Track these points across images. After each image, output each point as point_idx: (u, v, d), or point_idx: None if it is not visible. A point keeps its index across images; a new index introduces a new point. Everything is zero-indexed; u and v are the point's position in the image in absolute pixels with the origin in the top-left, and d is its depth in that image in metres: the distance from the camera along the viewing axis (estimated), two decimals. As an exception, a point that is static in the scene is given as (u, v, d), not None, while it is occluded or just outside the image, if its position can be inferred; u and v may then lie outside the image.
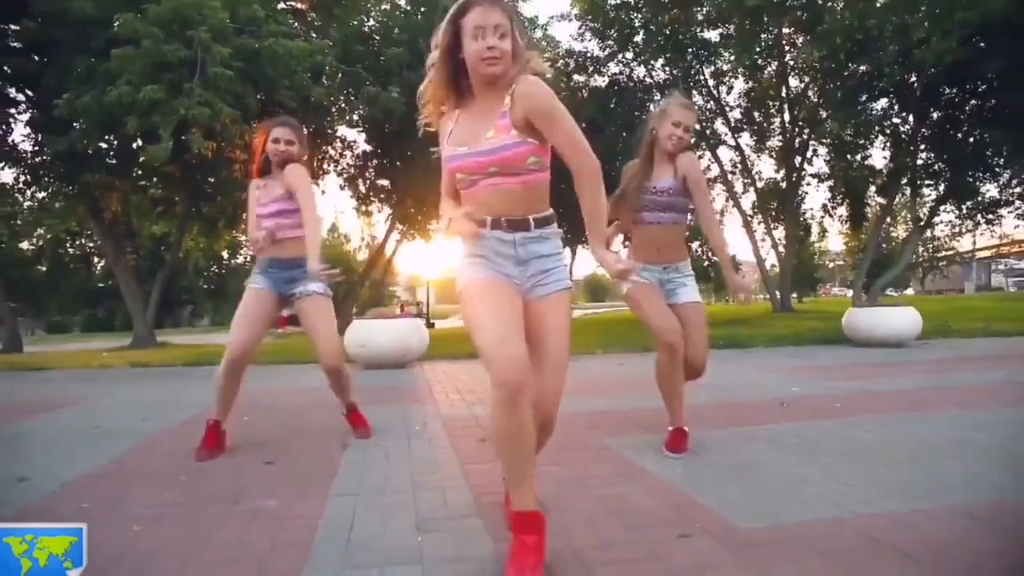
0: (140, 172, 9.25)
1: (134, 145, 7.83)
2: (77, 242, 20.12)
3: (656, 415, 3.37)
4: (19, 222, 13.52)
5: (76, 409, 4.09)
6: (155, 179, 9.48)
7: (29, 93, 8.96)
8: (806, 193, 15.68)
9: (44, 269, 28.36)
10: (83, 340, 22.87)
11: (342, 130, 11.52)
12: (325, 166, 12.26)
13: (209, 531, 1.82)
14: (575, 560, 1.56)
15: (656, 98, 15.56)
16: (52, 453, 2.90)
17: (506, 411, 1.42)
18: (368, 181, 13.16)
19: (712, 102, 15.66)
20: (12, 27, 7.96)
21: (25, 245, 19.71)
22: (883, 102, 12.09)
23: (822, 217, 16.09)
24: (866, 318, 7.26)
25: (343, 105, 9.89)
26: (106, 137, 7.92)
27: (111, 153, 8.42)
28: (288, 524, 1.86)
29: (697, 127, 15.12)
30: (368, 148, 12.28)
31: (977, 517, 1.77)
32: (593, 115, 15.17)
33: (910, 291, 41.82)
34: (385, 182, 12.55)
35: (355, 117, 9.71)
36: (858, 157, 13.31)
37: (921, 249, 19.75)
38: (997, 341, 7.85)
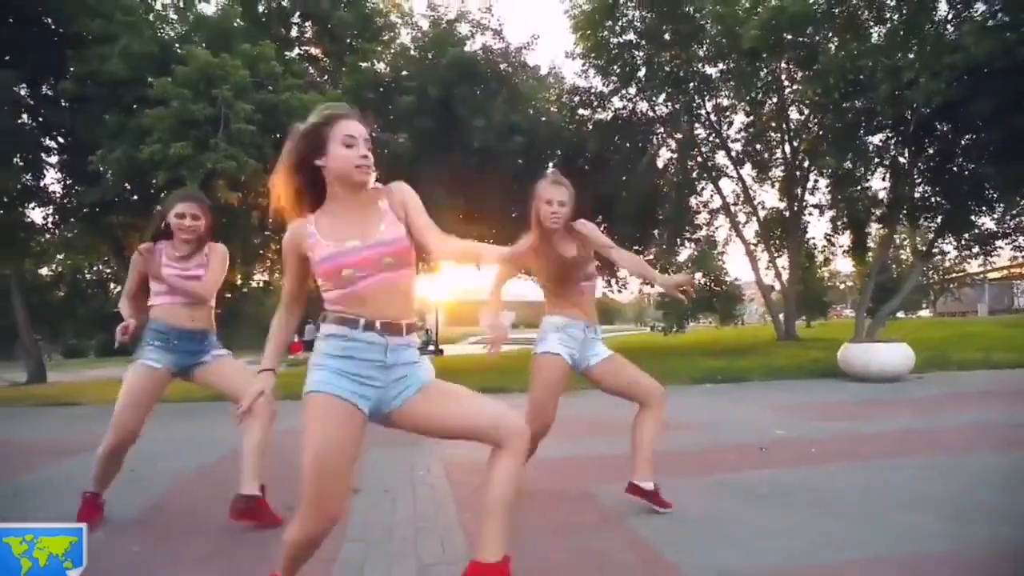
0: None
1: (161, 195, 8.37)
2: (95, 267, 20.40)
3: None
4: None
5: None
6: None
7: (61, 141, 9.55)
8: (808, 222, 15.94)
9: (62, 294, 29.02)
10: (100, 366, 23.35)
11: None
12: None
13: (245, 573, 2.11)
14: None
15: (659, 130, 15.99)
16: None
17: (311, 547, 1.62)
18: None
19: (714, 135, 16.03)
20: (50, 86, 8.57)
21: (44, 271, 20.19)
22: (881, 136, 12.43)
23: (824, 246, 16.33)
24: (860, 353, 7.48)
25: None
26: (131, 186, 8.45)
27: (135, 199, 8.93)
28: (309, 567, 2.15)
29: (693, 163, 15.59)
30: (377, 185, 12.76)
31: (903, 564, 2.03)
32: (598, 149, 15.59)
33: (925, 312, 41.57)
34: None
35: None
36: (858, 188, 13.57)
37: (930, 272, 19.87)
38: (993, 374, 8.00)
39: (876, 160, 12.77)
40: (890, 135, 12.13)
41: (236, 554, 2.35)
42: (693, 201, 16.13)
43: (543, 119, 13.24)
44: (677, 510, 2.70)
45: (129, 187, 8.75)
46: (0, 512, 2.97)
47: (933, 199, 11.62)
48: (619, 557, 2.22)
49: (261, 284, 20.32)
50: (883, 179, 13.40)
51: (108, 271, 22.01)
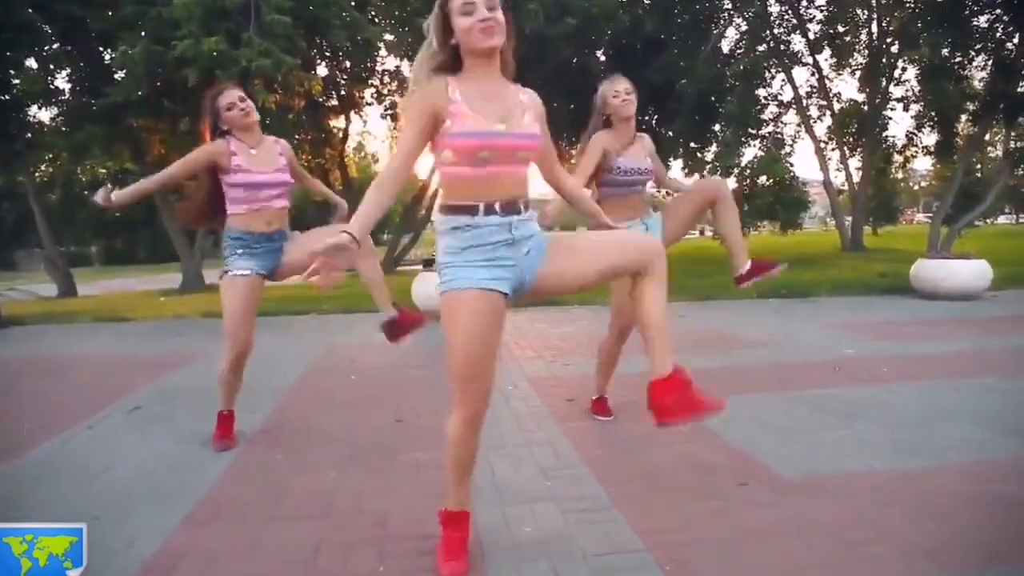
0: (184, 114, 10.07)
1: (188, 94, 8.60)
2: (86, 164, 19.97)
3: (715, 374, 4.23)
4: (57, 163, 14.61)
5: (194, 368, 5.12)
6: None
7: (70, 34, 9.68)
8: (889, 118, 15.67)
9: (54, 198, 29.69)
10: (113, 275, 24.64)
11: (385, 60, 12.09)
12: (368, 98, 12.93)
13: (392, 478, 2.76)
14: (662, 497, 2.45)
15: (726, 7, 15.40)
16: (212, 411, 3.86)
17: (464, 436, 1.87)
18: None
19: (790, 12, 15.45)
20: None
21: (35, 175, 20.53)
22: (987, 16, 11.99)
23: (904, 145, 16.08)
24: (934, 270, 7.83)
25: (392, 38, 10.42)
26: (158, 85, 8.71)
27: (158, 99, 9.17)
28: (442, 471, 2.79)
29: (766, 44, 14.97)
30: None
31: (962, 472, 2.60)
32: (655, 29, 15.17)
33: (1005, 219, 40.84)
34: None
35: (405, 47, 10.24)
36: (954, 79, 13.18)
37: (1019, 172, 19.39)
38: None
39: (979, 46, 12.37)
40: (999, 14, 11.69)
41: (369, 456, 3.00)
42: (761, 92, 15.84)
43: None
44: (756, 421, 3.29)
45: (151, 87, 8.98)
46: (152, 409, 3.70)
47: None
48: (713, 460, 2.82)
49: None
50: (982, 69, 13.05)
51: (103, 172, 22.42)
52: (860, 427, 3.19)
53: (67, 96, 11.54)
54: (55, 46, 10.84)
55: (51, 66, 11.05)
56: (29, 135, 11.41)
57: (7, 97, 10.54)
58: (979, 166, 23.01)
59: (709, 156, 16.68)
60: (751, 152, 15.42)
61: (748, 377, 4.21)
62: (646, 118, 18.51)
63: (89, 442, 3.37)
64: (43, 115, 11.97)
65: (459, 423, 1.88)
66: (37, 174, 17.77)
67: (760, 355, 4.92)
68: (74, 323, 8.07)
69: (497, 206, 1.75)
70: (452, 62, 1.78)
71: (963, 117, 14.06)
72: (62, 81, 11.31)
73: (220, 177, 2.97)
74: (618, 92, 3.11)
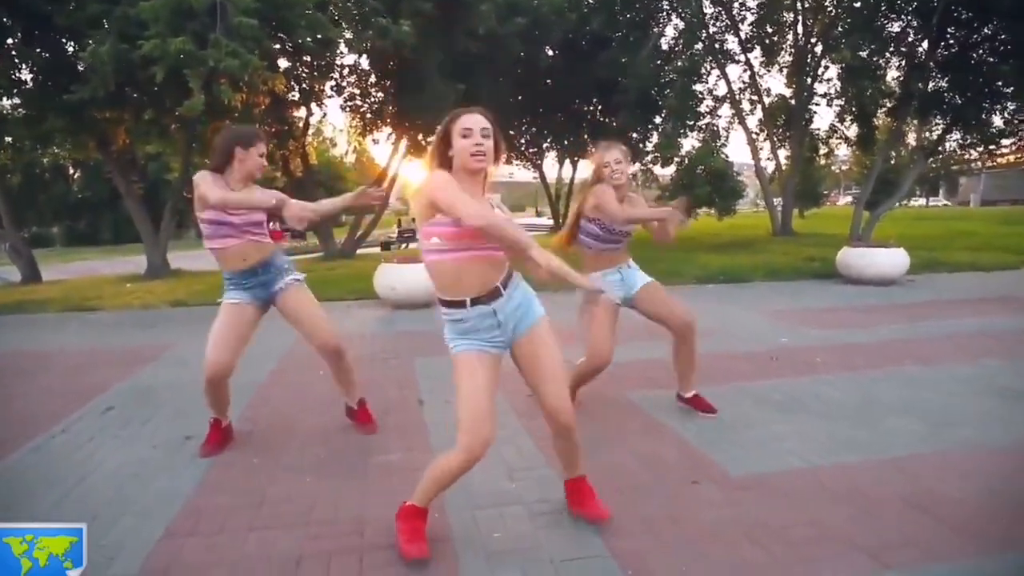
0: (149, 107, 9.55)
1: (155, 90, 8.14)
2: (49, 150, 18.88)
3: (664, 367, 4.25)
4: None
5: (164, 362, 4.90)
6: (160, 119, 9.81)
7: (34, 30, 9.07)
8: (815, 112, 16.06)
9: (15, 181, 27.94)
10: (78, 257, 23.46)
11: (344, 56, 11.75)
12: (328, 91, 12.53)
13: (367, 481, 2.69)
14: (621, 498, 2.46)
15: (665, 7, 15.45)
16: (185, 411, 3.71)
17: (463, 469, 2.04)
18: (373, 104, 13.45)
19: (724, 13, 15.57)
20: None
21: None
22: (900, 24, 12.32)
23: (828, 137, 16.52)
24: (857, 258, 8.11)
25: (350, 36, 10.08)
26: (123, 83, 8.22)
27: (123, 93, 8.69)
28: (416, 474, 2.69)
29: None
30: (374, 72, 12.55)
31: (897, 466, 2.68)
32: (600, 27, 15.14)
33: (919, 201, 42.90)
34: (391, 107, 12.84)
35: (365, 44, 9.93)
36: (870, 79, 13.55)
37: (932, 163, 20.27)
38: (981, 277, 8.79)
39: (892, 49, 12.71)
40: (910, 20, 12.02)
41: (343, 459, 2.92)
42: (698, 87, 16.00)
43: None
44: (705, 416, 3.33)
45: (119, 84, 8.49)
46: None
47: (946, 93, 11.78)
48: (668, 457, 2.84)
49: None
50: (897, 69, 13.43)
51: (63, 154, 21.07)
52: (800, 420, 3.26)
53: (30, 86, 10.77)
54: (17, 39, 10.08)
55: (15, 58, 10.27)
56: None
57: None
58: (894, 155, 23.88)
59: (650, 146, 16.89)
60: (689, 143, 15.64)
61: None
62: (590, 109, 18.61)
63: (62, 448, 3.18)
64: (4, 103, 11.10)
65: (456, 464, 2.05)
66: (1, 157, 16.66)
67: (705, 344, 4.93)
68: (41, 313, 7.64)
69: (482, 297, 2.01)
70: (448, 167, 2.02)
71: (880, 112, 14.48)
72: (25, 73, 10.55)
73: (196, 213, 2.84)
74: (607, 163, 3.08)
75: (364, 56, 11.69)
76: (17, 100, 10.85)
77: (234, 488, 2.67)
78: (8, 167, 18.24)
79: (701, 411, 3.35)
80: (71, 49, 9.43)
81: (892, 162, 22.12)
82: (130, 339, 5.99)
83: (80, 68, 8.67)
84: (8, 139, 11.83)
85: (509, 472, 2.75)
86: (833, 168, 43.15)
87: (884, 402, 3.52)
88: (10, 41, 9.51)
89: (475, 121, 1.99)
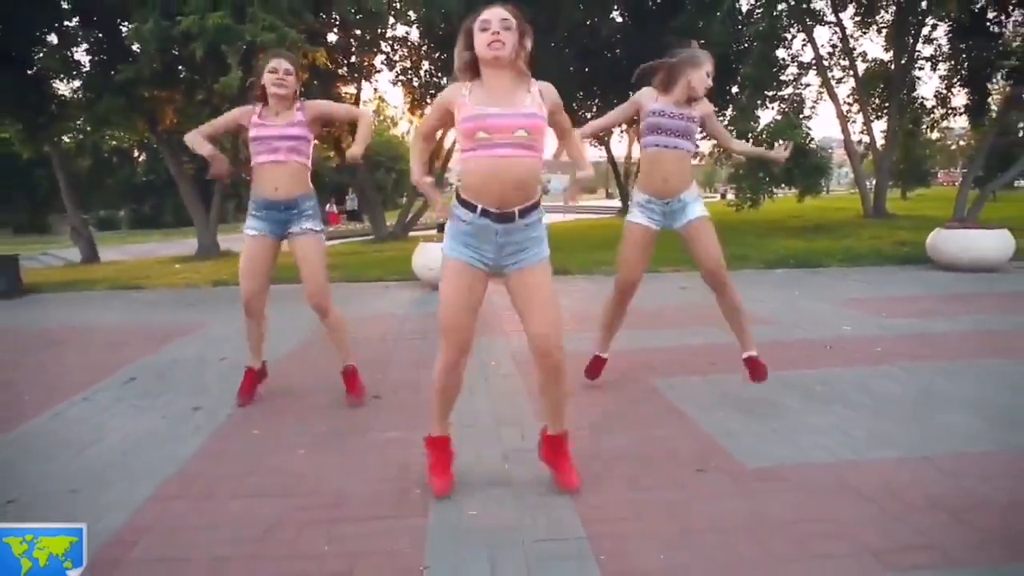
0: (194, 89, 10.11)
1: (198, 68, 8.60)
2: (109, 133, 20.32)
3: (704, 353, 4.18)
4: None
5: (194, 339, 5.23)
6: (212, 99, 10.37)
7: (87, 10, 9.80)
8: (918, 78, 15.03)
9: (87, 165, 30.21)
10: (138, 239, 25.13)
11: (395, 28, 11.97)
12: (377, 65, 12.83)
13: (358, 457, 2.79)
14: (618, 484, 2.43)
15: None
16: (202, 384, 3.98)
17: (443, 378, 2.30)
18: (424, 77, 13.66)
19: (813, -31, 14.80)
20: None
21: (66, 139, 20.59)
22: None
23: (933, 106, 15.45)
24: (952, 241, 7.56)
25: (397, 6, 10.27)
26: (167, 60, 8.74)
27: (171, 72, 9.24)
28: (410, 452, 2.79)
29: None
30: (424, 44, 12.73)
31: (938, 466, 2.51)
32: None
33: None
34: (442, 78, 13.01)
35: (411, 15, 10.10)
36: (987, 36, 12.55)
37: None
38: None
39: (1013, 1, 11.73)
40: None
41: (341, 435, 3.03)
42: (780, 53, 15.30)
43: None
44: (734, 403, 3.25)
45: (163, 61, 9.04)
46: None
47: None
48: (679, 445, 2.79)
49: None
50: (1019, 25, 12.40)
51: (130, 140, 22.50)
52: (839, 413, 3.12)
53: (87, 68, 11.62)
54: (74, 21, 10.91)
55: (70, 41, 11.11)
56: (53, 107, 11.61)
57: (30, 72, 10.70)
58: (1021, 125, 22.02)
59: (725, 120, 16.25)
60: (768, 115, 14.97)
61: (737, 355, 4.12)
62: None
63: (80, 415, 3.45)
64: (65, 88, 12.06)
65: (439, 366, 2.32)
66: (70, 142, 18.18)
67: (757, 332, 4.72)
68: (90, 291, 8.26)
69: (492, 212, 2.11)
70: (474, 65, 2.16)
71: (997, 76, 13.40)
72: (81, 55, 11.41)
73: (243, 136, 3.24)
74: (710, 72, 3.15)
75: (413, 27, 11.87)
76: (77, 83, 11.75)
77: (229, 457, 2.83)
78: (72, 151, 19.74)
79: (752, 377, 3.28)
80: (124, 30, 10.07)
81: (1018, 134, 20.50)
82: (167, 317, 6.40)
83: (135, 48, 9.29)
84: (69, 124, 12.81)
85: (505, 454, 2.77)
86: (949, 143, 40.39)
87: (942, 396, 3.30)
88: (67, 24, 10.31)
89: (494, 13, 2.08)
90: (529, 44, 2.16)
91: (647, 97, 3.21)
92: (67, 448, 2.98)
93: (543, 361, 2.26)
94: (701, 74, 3.12)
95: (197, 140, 3.21)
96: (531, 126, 2.10)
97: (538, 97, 2.16)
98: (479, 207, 2.13)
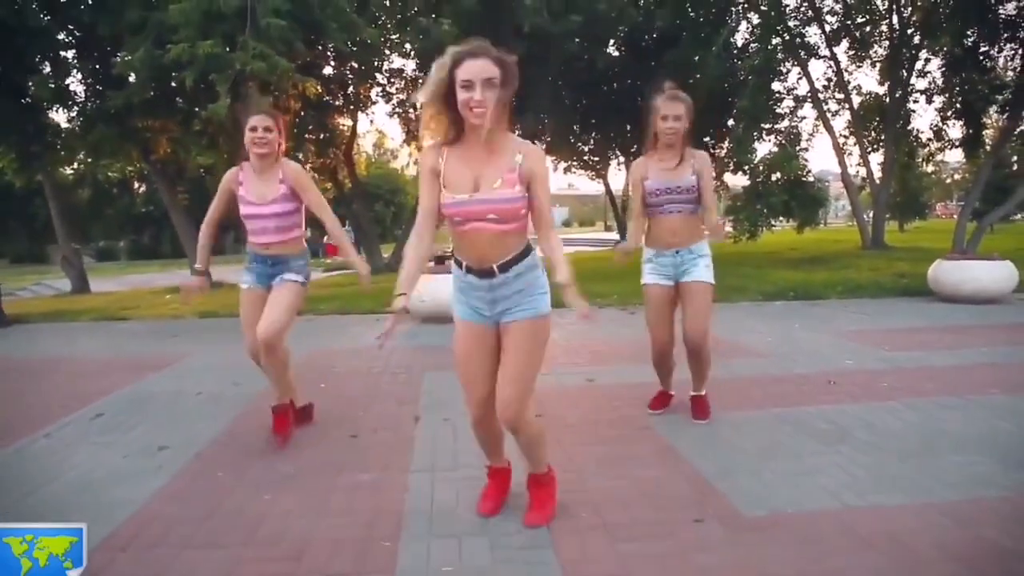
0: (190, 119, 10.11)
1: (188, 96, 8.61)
2: (105, 163, 20.44)
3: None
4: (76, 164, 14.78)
5: (173, 372, 5.04)
6: (208, 128, 10.37)
7: (82, 40, 9.86)
8: (912, 111, 15.07)
9: (86, 196, 30.31)
10: (136, 270, 25.04)
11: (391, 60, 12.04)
12: (373, 97, 12.86)
13: (324, 499, 2.60)
14: (605, 533, 2.24)
15: (739, 0, 14.99)
16: (174, 420, 3.79)
17: (476, 428, 2.32)
18: (420, 109, 13.66)
19: (806, 5, 14.97)
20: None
21: (67, 170, 20.57)
22: (1014, 4, 11.45)
23: (928, 139, 15.50)
24: (953, 272, 7.42)
25: (394, 38, 10.32)
26: (158, 88, 8.75)
27: (162, 101, 9.25)
28: (382, 496, 2.61)
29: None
30: (420, 76, 12.77)
31: (950, 512, 2.32)
32: (666, 24, 14.83)
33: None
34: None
35: (407, 47, 10.15)
36: (979, 69, 12.61)
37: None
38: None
39: (1005, 35, 11.83)
40: (1025, 4, 11.17)
41: (311, 476, 2.84)
42: (776, 86, 15.37)
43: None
44: (733, 443, 3.06)
45: (155, 89, 9.06)
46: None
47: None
48: (673, 491, 2.59)
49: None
50: (1011, 59, 12.48)
51: (130, 169, 22.60)
52: (842, 453, 2.93)
53: (81, 98, 11.65)
54: (70, 52, 10.98)
55: (64, 70, 11.16)
56: (48, 137, 11.59)
57: (24, 101, 10.70)
58: (1015, 159, 22.07)
59: (722, 153, 16.33)
60: (765, 148, 14.99)
61: (735, 391, 3.95)
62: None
63: (41, 452, 3.29)
64: (60, 117, 12.10)
65: (469, 421, 2.33)
66: (69, 172, 18.27)
67: (755, 366, 4.64)
68: (75, 321, 8.09)
69: (474, 269, 2.10)
70: (454, 116, 1.98)
71: (991, 108, 13.46)
72: (76, 84, 11.45)
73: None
74: (667, 116, 3.06)
75: (409, 59, 11.95)
76: (73, 112, 11.77)
77: (188, 500, 2.64)
78: (72, 182, 19.77)
79: (694, 416, 3.39)
80: (117, 59, 10.12)
81: (1013, 167, 20.54)
82: (148, 348, 6.22)
83: (131, 79, 9.31)
84: (62, 153, 12.80)
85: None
86: (943, 177, 40.62)
87: (951, 435, 3.12)
88: (62, 54, 10.35)
89: (478, 70, 1.87)
90: (515, 87, 1.98)
91: (638, 171, 3.23)
92: (23, 486, 2.82)
93: (503, 422, 2.23)
94: (659, 123, 3.08)
95: (201, 252, 3.39)
96: (502, 211, 2.02)
97: (517, 168, 2.01)
98: (464, 264, 2.13)
